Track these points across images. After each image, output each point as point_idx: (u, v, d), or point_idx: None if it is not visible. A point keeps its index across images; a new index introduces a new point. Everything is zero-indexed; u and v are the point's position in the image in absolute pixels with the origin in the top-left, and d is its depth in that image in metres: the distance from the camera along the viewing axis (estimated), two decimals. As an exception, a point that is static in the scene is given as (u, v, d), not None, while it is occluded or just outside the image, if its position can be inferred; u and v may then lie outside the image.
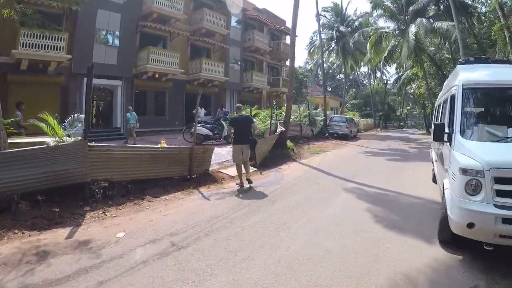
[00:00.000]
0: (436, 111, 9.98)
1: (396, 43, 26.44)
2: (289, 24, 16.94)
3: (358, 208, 6.55)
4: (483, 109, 5.63)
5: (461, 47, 17.40)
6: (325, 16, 39.22)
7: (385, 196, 7.65)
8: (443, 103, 7.81)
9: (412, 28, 23.02)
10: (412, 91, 47.89)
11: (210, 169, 9.49)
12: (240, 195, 7.48)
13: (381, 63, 33.25)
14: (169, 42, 21.53)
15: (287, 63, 29.64)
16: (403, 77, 40.03)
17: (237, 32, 26.36)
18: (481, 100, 5.52)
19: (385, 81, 52.78)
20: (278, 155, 12.80)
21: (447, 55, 29.28)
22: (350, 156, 15.21)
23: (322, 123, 24.27)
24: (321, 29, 30.14)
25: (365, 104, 52.78)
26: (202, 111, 18.46)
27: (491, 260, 4.18)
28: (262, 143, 11.47)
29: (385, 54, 27.17)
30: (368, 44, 28.42)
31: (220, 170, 9.87)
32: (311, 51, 39.86)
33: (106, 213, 5.85)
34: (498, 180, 3.92)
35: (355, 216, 6.03)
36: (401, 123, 65.95)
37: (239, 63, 26.70)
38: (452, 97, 5.63)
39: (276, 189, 8.05)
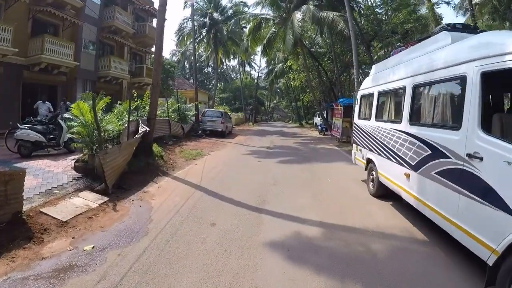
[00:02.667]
0: (369, 104, 7.83)
1: (276, 30, 24.75)
2: (157, 5, 12.84)
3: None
4: None
5: (352, 37, 16.67)
6: (197, 2, 35.58)
7: (344, 248, 4.50)
8: (414, 89, 5.37)
9: (298, 15, 21.61)
10: (279, 85, 48.94)
11: (27, 208, 5.17)
12: (70, 282, 3.35)
13: (260, 53, 31.76)
14: (3, 11, 15.05)
15: (154, 49, 25.02)
16: (275, 70, 39.66)
17: (94, 7, 20.45)
18: None
19: (257, 74, 52.67)
20: (141, 168, 8.70)
21: (321, 50, 29.72)
22: (237, 161, 12.10)
23: (193, 118, 20.79)
24: (193, 15, 26.49)
25: (234, 98, 51.46)
26: (44, 106, 12.72)
27: None
28: (115, 153, 7.21)
29: (264, 42, 25.20)
30: (247, 31, 26.22)
31: (44, 210, 5.32)
32: (180, 39, 35.42)
33: None
34: None
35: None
36: (267, 117, 68.09)
37: (94, 45, 20.86)
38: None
39: (143, 253, 4.10)
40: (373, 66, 8.47)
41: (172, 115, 17.13)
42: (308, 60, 27.08)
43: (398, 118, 5.96)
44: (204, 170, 9.89)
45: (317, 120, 34.53)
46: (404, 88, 5.72)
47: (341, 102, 20.50)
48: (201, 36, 34.46)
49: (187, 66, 57.32)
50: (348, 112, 18.84)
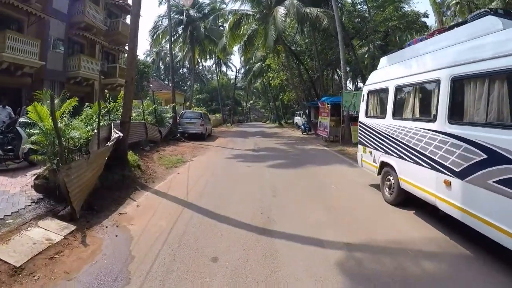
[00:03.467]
0: (382, 100, 7.09)
1: (257, 27, 23.51)
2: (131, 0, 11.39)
3: None
4: None
5: (339, 33, 16.04)
6: (173, -1, 33.80)
7: (392, 276, 3.37)
8: (453, 82, 4.59)
9: (281, 10, 20.51)
10: (256, 84, 47.93)
11: None
12: None
13: (237, 53, 30.53)
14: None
15: (127, 47, 23.12)
16: (254, 69, 38.52)
17: (63, 1, 18.44)
18: None
19: (235, 74, 51.41)
20: (115, 181, 7.35)
21: (300, 48, 29.00)
22: (224, 167, 10.88)
23: (171, 121, 19.37)
24: (169, 10, 24.90)
25: (211, 99, 50.08)
26: (4, 112, 10.97)
27: None
28: (82, 166, 5.83)
29: (245, 39, 23.86)
30: (227, 27, 24.95)
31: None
32: (155, 38, 33.27)
33: None
34: None
35: None
36: (243, 117, 66.97)
37: (62, 43, 18.84)
38: None
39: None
40: (383, 59, 7.57)
41: (148, 117, 15.67)
42: (289, 58, 26.16)
43: (428, 116, 5.07)
44: (189, 180, 8.63)
45: (298, 119, 33.68)
46: (437, 81, 4.80)
47: (326, 100, 19.72)
48: (177, 35, 32.73)
49: (162, 67, 55.23)
50: (335, 111, 18.08)
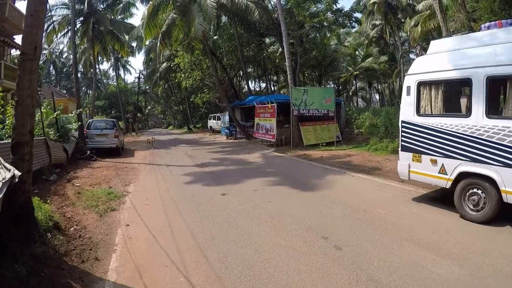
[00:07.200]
0: (458, 94, 5.51)
1: (176, 16, 19.13)
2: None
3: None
4: None
5: (282, 20, 15.02)
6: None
7: None
8: None
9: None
10: (156, 88, 43.16)
11: None
12: None
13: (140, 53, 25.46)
14: None
15: (19, 40, 15.68)
16: (160, 69, 33.70)
17: None
18: None
19: (138, 76, 45.02)
20: (22, 281, 3.35)
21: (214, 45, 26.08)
22: (190, 201, 6.93)
23: (77, 134, 14.37)
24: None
25: (110, 105, 43.09)
26: None
27: None
28: None
29: (164, 29, 19.13)
30: (146, 12, 20.47)
31: None
32: (49, 31, 24.95)
33: None
34: None
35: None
36: (142, 124, 60.54)
37: None
38: None
39: None
40: (439, 42, 5.71)
41: (49, 131, 10.71)
42: (204, 56, 22.64)
43: None
44: (159, 241, 4.76)
45: (213, 123, 30.44)
46: None
47: (259, 100, 17.37)
48: (75, 29, 25.74)
49: (53, 71, 45.42)
50: (284, 111, 15.84)
